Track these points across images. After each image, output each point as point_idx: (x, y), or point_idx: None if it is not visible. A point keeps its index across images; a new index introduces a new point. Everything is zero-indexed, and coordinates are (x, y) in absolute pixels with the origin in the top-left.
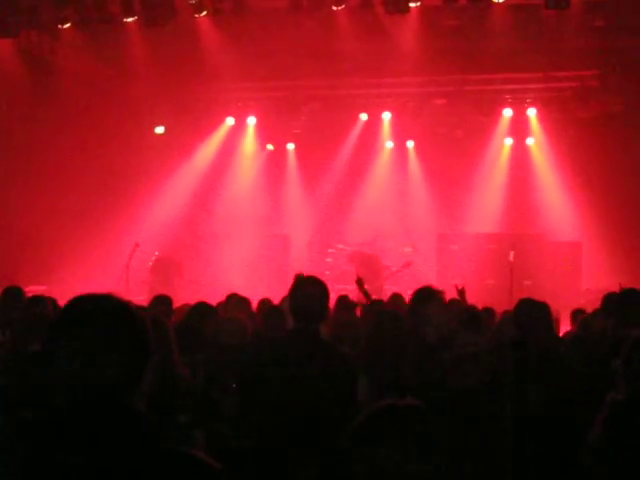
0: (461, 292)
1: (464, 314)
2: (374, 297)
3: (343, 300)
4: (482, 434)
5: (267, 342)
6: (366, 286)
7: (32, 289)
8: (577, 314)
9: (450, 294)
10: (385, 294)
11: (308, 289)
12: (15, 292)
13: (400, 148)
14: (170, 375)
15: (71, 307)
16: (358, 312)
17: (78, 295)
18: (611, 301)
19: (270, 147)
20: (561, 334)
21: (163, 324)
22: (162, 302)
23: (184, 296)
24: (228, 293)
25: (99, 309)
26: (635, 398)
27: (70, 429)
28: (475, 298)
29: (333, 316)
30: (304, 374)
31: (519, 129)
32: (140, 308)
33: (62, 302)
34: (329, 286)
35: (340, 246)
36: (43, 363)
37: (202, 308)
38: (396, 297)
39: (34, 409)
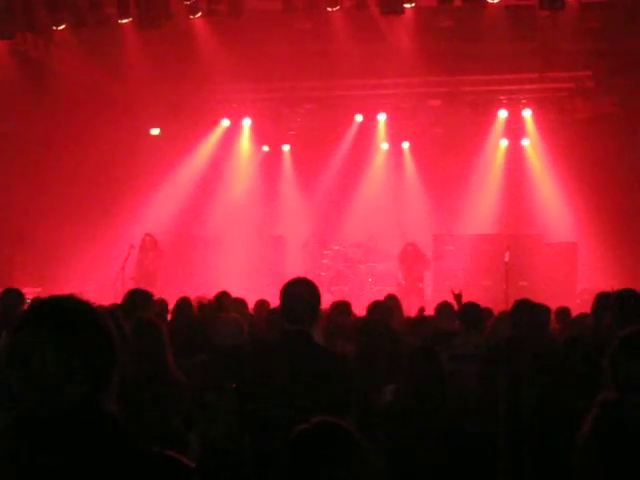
0: (458, 296)
1: (465, 313)
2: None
3: (339, 303)
4: (476, 434)
5: (260, 344)
6: (406, 279)
7: (27, 291)
8: (561, 313)
9: (445, 297)
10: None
11: (297, 290)
12: (15, 293)
13: (395, 149)
14: (164, 378)
15: (33, 308)
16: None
17: (39, 298)
18: (601, 301)
19: (265, 148)
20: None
21: (157, 326)
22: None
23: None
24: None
25: (61, 311)
26: (624, 399)
27: (40, 433)
28: (471, 299)
29: (327, 319)
30: (297, 376)
31: (514, 130)
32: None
33: None
34: (325, 287)
35: (336, 247)
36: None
37: (137, 293)
38: (391, 298)
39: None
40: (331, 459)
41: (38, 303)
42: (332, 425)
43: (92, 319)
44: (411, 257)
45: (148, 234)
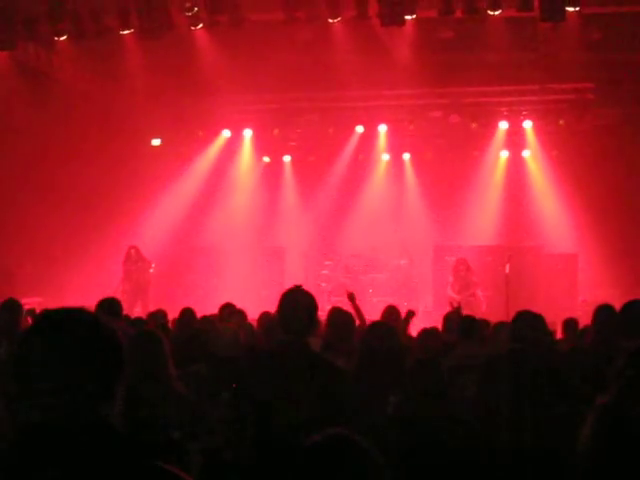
0: (457, 310)
1: (463, 324)
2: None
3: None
4: (480, 446)
5: (258, 354)
6: (461, 294)
7: (27, 301)
8: (569, 324)
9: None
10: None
11: (294, 300)
12: (14, 304)
13: (396, 160)
14: (164, 390)
15: (42, 320)
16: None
17: (49, 308)
18: (602, 313)
19: (266, 159)
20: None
21: (158, 338)
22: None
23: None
24: (222, 304)
25: (70, 322)
26: (621, 401)
27: (41, 443)
28: (471, 310)
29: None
30: (294, 387)
31: (515, 141)
32: (136, 320)
33: None
34: (325, 298)
35: (336, 258)
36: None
37: (105, 303)
38: (391, 309)
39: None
40: (344, 472)
41: (49, 313)
42: (344, 438)
43: (102, 332)
44: (464, 272)
45: (133, 246)
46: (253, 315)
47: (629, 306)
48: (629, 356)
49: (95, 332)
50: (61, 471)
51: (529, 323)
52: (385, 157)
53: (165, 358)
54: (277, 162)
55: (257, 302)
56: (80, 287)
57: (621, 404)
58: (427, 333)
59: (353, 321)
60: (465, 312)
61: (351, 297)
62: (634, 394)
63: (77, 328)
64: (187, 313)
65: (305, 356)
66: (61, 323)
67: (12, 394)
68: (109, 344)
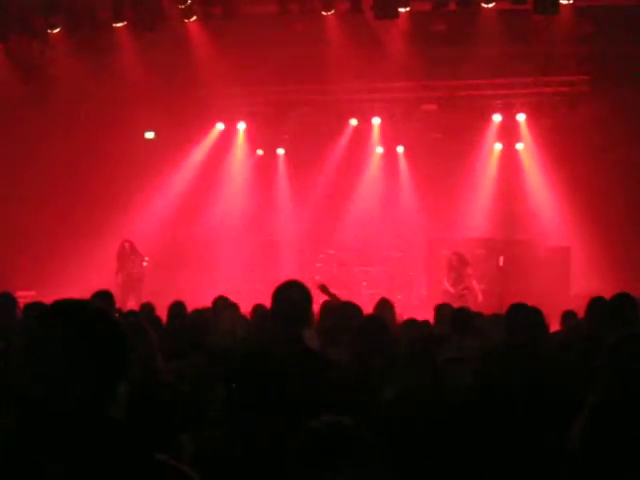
0: (447, 304)
1: (456, 316)
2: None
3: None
4: (471, 440)
5: (252, 347)
6: (455, 287)
7: (21, 294)
8: (567, 316)
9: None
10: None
11: (289, 293)
12: (8, 298)
13: (390, 153)
14: (154, 381)
15: (50, 311)
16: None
17: (57, 300)
18: (595, 306)
19: (260, 152)
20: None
21: (146, 330)
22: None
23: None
24: (215, 297)
25: (82, 313)
26: (614, 400)
27: (41, 432)
28: (466, 303)
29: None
30: (288, 379)
31: (509, 134)
32: (129, 313)
33: None
34: (319, 291)
35: (330, 251)
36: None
37: (98, 296)
38: (384, 302)
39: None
40: (342, 457)
41: (61, 303)
42: (342, 423)
43: (111, 326)
44: (457, 265)
45: (126, 240)
46: (247, 308)
47: (617, 299)
48: (608, 351)
49: (106, 325)
50: (61, 460)
51: (525, 316)
52: (379, 150)
53: (152, 349)
54: (271, 155)
55: (251, 295)
56: (74, 281)
57: (607, 403)
58: (416, 325)
59: (347, 313)
60: (460, 305)
61: (322, 288)
62: (618, 390)
63: (88, 318)
64: (177, 306)
65: (299, 349)
66: (74, 312)
67: (15, 383)
68: (117, 338)
